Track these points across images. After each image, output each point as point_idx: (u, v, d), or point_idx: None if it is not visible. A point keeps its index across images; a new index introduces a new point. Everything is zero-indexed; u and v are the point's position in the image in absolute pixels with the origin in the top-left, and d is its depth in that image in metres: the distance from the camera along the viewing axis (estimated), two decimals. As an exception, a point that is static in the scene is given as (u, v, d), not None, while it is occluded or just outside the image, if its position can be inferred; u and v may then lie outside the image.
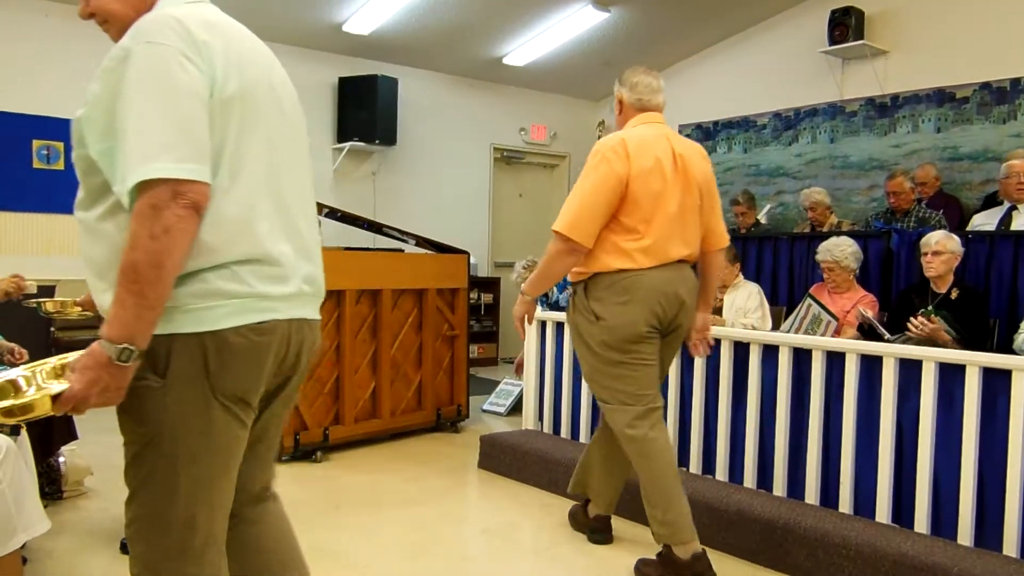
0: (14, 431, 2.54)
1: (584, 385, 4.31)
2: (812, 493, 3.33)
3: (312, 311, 1.78)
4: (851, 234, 4.55)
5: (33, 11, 6.11)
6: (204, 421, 1.58)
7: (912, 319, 3.62)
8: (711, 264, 3.16)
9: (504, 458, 4.31)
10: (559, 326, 4.50)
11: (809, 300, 4.06)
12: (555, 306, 5.38)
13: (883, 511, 3.10)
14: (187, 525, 1.62)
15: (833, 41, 6.66)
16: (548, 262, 2.98)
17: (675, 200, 2.92)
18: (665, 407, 3.87)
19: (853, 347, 3.26)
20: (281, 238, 1.65)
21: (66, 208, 6.64)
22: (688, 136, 8.15)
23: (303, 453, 4.48)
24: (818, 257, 4.27)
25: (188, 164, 1.46)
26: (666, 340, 3.05)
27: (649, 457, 2.93)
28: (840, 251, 4.17)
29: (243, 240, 1.57)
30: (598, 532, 3.39)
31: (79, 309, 3.16)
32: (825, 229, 5.55)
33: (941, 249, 3.76)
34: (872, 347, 3.21)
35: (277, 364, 1.70)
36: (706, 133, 8.08)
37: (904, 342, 3.51)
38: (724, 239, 3.15)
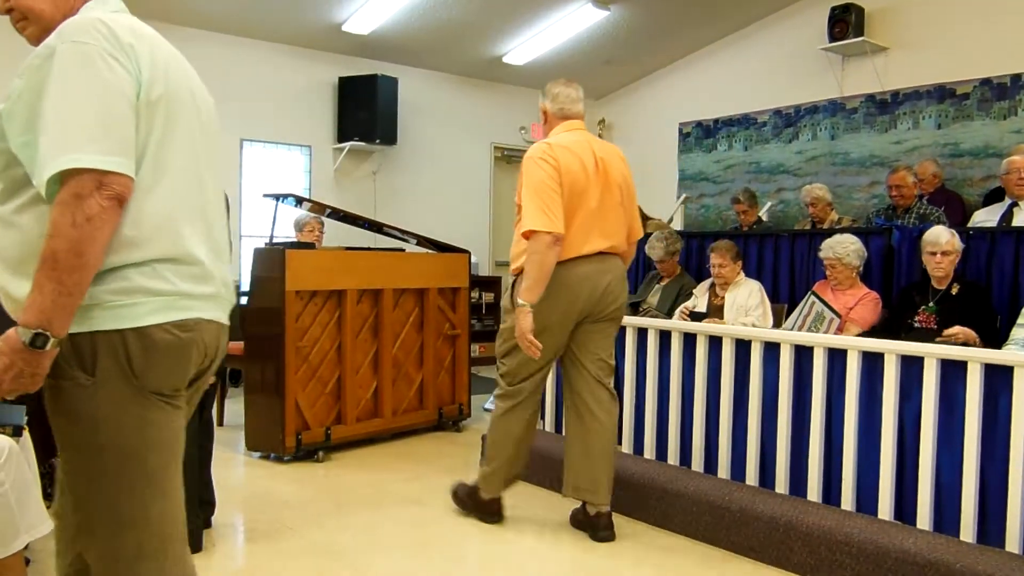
0: (16, 432, 2.54)
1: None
2: (814, 490, 3.33)
3: (225, 315, 1.77)
4: (852, 231, 4.54)
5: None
6: (137, 416, 1.58)
7: (945, 330, 3.57)
8: (627, 255, 3.51)
9: (506, 457, 4.31)
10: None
11: (812, 298, 4.06)
12: None
13: (885, 508, 3.10)
14: (141, 524, 1.60)
15: (833, 38, 6.65)
16: (538, 262, 3.13)
17: (595, 198, 3.24)
18: (667, 406, 3.90)
19: (855, 344, 3.26)
20: (201, 239, 1.66)
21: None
22: (688, 134, 8.17)
23: (305, 453, 4.49)
24: (821, 254, 4.26)
25: (113, 157, 1.47)
26: (598, 327, 3.35)
27: (494, 429, 3.48)
28: (843, 248, 4.16)
29: (165, 238, 1.58)
30: (604, 529, 3.41)
31: None
32: (826, 226, 5.55)
33: (950, 249, 3.76)
34: (874, 344, 3.21)
35: (199, 361, 1.69)
36: (706, 131, 8.08)
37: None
38: (640, 233, 3.55)
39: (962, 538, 2.89)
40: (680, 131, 8.34)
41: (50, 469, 3.57)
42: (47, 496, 3.12)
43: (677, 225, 7.83)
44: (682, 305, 4.73)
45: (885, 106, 6.68)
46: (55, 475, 3.57)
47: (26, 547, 2.48)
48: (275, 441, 4.41)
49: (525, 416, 3.43)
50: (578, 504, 3.52)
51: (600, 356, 3.40)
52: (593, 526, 3.41)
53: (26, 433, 2.64)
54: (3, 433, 2.47)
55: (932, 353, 3.01)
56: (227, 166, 7.04)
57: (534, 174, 3.18)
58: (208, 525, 3.37)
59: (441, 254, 5.39)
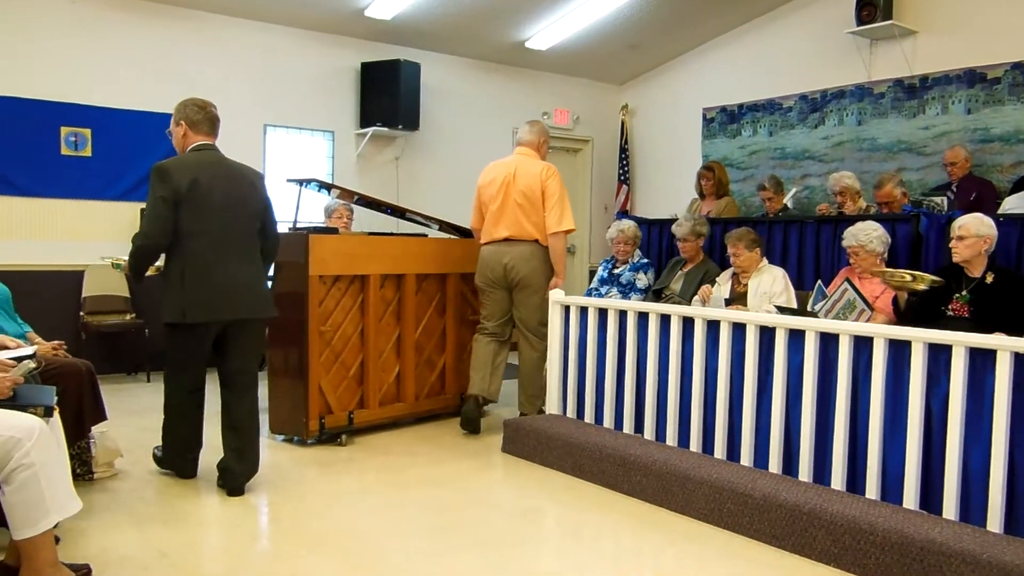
0: (47, 412, 2.58)
1: (608, 369, 4.31)
2: (838, 478, 3.31)
3: None
4: (878, 218, 4.49)
5: (61, 1, 6.16)
6: None
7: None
8: (549, 245, 4.82)
9: (528, 442, 4.32)
10: (583, 311, 4.50)
11: (846, 284, 4.01)
12: (616, 280, 5.35)
13: (911, 497, 3.08)
14: None
15: (861, 21, 6.55)
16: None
17: (499, 200, 4.83)
18: (688, 391, 3.89)
19: (881, 331, 3.22)
20: None
21: (93, 194, 6.79)
22: (712, 120, 8.11)
23: (328, 436, 4.52)
24: (844, 243, 4.22)
25: None
26: (513, 293, 4.85)
27: (474, 352, 4.99)
28: (865, 235, 4.12)
29: None
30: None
31: None
32: (851, 213, 5.48)
33: (964, 234, 3.69)
34: (900, 332, 3.17)
35: None
36: (730, 116, 8.01)
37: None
38: (550, 229, 4.77)
39: (989, 528, 2.86)
40: (704, 116, 8.27)
41: (79, 450, 3.64)
42: (76, 476, 3.18)
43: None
44: (703, 287, 4.70)
45: (913, 91, 6.58)
46: (84, 456, 3.63)
47: (56, 526, 2.52)
48: (298, 425, 4.45)
49: (491, 344, 4.94)
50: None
51: (521, 315, 4.86)
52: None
53: (56, 414, 2.68)
54: (34, 414, 2.51)
55: (960, 341, 2.97)
56: (251, 152, 7.07)
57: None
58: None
59: (463, 239, 5.39)
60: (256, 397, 3.81)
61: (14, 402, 2.54)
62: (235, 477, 3.65)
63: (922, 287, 3.71)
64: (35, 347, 3.25)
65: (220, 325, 3.59)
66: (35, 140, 6.05)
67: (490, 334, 4.93)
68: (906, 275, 3.77)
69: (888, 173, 5.60)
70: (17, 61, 6.02)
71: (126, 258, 3.64)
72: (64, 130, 6.17)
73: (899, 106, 6.67)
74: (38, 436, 2.41)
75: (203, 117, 3.61)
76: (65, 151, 6.18)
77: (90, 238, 6.18)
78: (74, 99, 6.21)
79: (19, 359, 2.74)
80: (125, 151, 6.42)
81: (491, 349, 4.91)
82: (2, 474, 2.38)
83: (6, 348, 3.02)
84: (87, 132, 6.25)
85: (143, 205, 6.54)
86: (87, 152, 6.25)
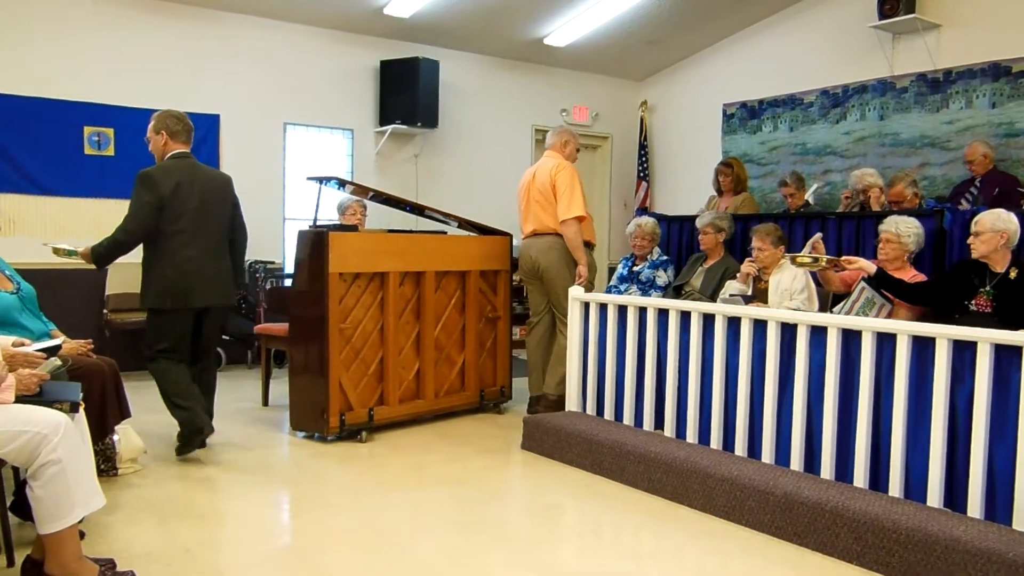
0: (73, 408, 2.61)
1: (628, 366, 4.30)
2: (860, 476, 3.28)
3: None
4: (902, 213, 4.43)
5: (84, 2, 6.23)
6: None
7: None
8: (560, 233, 5.05)
9: (547, 439, 4.32)
10: (602, 308, 4.49)
11: (863, 283, 3.97)
12: (635, 278, 5.33)
13: (934, 495, 3.04)
14: None
15: (883, 15, 6.49)
16: None
17: (524, 200, 5.21)
18: (709, 388, 3.87)
19: (904, 328, 3.19)
20: None
21: (116, 193, 6.84)
22: (732, 115, 8.05)
23: (348, 433, 4.54)
24: (882, 227, 4.13)
25: None
26: (545, 285, 5.16)
27: (527, 352, 5.39)
28: (906, 227, 4.06)
29: None
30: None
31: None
32: (876, 208, 5.43)
33: (980, 229, 3.64)
34: (924, 328, 3.14)
35: None
36: (751, 112, 7.96)
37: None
38: (559, 218, 5.01)
39: (1015, 527, 2.83)
40: (724, 112, 8.22)
41: (103, 447, 3.68)
42: (100, 472, 3.21)
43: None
44: (747, 261, 4.63)
45: (937, 85, 6.50)
46: (107, 452, 3.67)
47: (81, 520, 2.55)
48: (319, 421, 4.47)
49: (538, 339, 5.26)
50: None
51: (551, 302, 5.17)
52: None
53: (82, 410, 2.71)
54: (60, 409, 2.54)
55: (985, 338, 2.93)
56: (271, 150, 7.12)
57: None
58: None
59: (483, 237, 5.39)
60: (215, 368, 4.45)
61: (40, 398, 2.57)
62: (206, 432, 4.07)
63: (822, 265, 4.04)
64: (61, 340, 3.29)
65: (196, 310, 4.07)
66: (59, 140, 6.12)
67: (535, 326, 5.26)
68: (807, 257, 4.06)
69: (901, 172, 5.53)
70: (41, 62, 6.09)
71: (66, 245, 4.04)
72: (87, 130, 6.24)
73: (922, 101, 6.60)
74: (64, 432, 2.44)
75: (181, 128, 4.07)
76: (88, 151, 6.25)
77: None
78: (97, 99, 6.27)
79: (46, 350, 2.77)
80: (147, 150, 6.45)
81: (539, 346, 5.23)
82: (29, 469, 2.42)
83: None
84: (110, 132, 6.32)
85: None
86: (110, 151, 6.31)
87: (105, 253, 3.97)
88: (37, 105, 6.03)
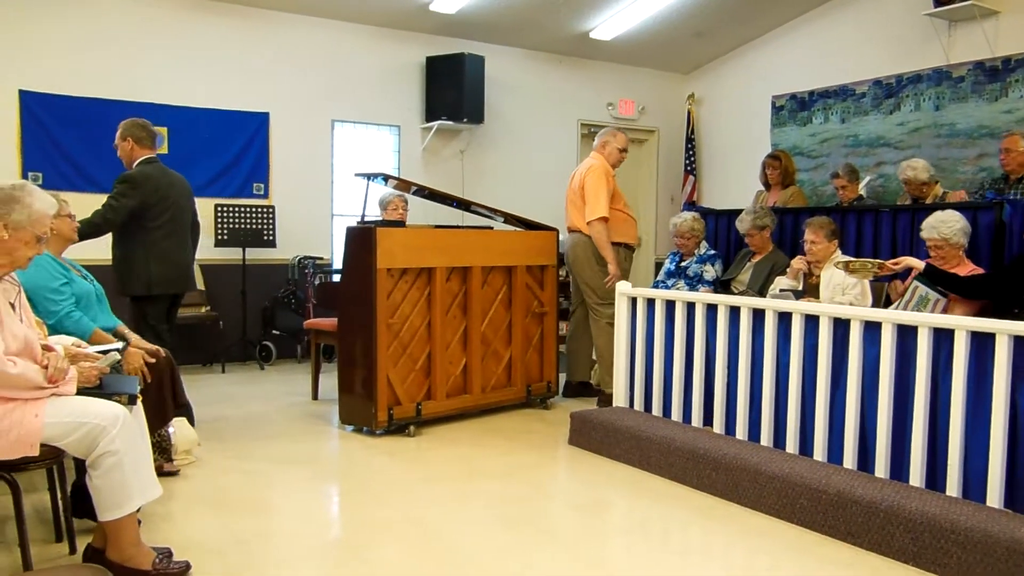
0: (131, 401, 2.68)
1: (676, 362, 4.27)
2: (917, 475, 3.21)
3: None
4: (959, 206, 4.31)
5: (138, 5, 6.35)
6: None
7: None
8: (588, 232, 5.32)
9: (595, 435, 4.30)
10: (650, 303, 4.45)
11: (916, 283, 3.88)
12: (683, 273, 5.29)
13: (994, 495, 2.96)
14: None
15: (939, 3, 6.32)
16: None
17: (568, 198, 5.49)
18: (759, 384, 3.82)
19: (963, 323, 3.11)
20: None
21: (170, 190, 6.69)
22: (782, 107, 7.92)
23: (397, 427, 4.58)
24: (924, 234, 4.02)
25: None
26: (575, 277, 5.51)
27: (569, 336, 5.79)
28: (947, 227, 3.93)
29: None
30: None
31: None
32: (929, 201, 5.30)
33: None
34: (984, 324, 3.05)
35: None
36: (801, 103, 7.82)
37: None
38: (590, 216, 5.26)
39: (1080, 529, 2.74)
40: (773, 104, 8.09)
41: (160, 439, 3.76)
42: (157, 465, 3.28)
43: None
44: (798, 258, 4.57)
45: (995, 73, 6.31)
46: (163, 445, 3.76)
47: (138, 510, 2.62)
48: (367, 415, 4.52)
49: (576, 331, 5.67)
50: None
51: (587, 297, 5.41)
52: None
53: (140, 402, 2.77)
54: (119, 402, 2.60)
55: (1049, 334, 2.85)
56: (319, 147, 7.21)
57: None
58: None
59: (529, 232, 5.39)
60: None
61: (100, 390, 2.64)
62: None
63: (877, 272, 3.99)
64: (120, 345, 3.37)
65: (171, 296, 4.50)
66: (113, 140, 6.25)
67: (573, 316, 5.67)
68: (867, 263, 4.02)
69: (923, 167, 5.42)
70: (97, 64, 6.24)
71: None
72: (141, 129, 6.37)
73: (980, 90, 6.41)
74: (122, 424, 2.51)
75: (147, 134, 4.46)
76: (142, 149, 6.38)
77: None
78: (151, 99, 6.41)
79: (107, 352, 2.84)
80: (200, 148, 6.61)
81: (574, 334, 5.66)
82: (89, 459, 2.49)
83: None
84: (164, 131, 6.45)
85: (218, 200, 6.73)
86: (164, 150, 6.44)
87: (88, 233, 4.19)
88: (94, 105, 6.19)
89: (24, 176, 6.00)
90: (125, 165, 4.47)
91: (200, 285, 6.58)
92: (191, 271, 4.64)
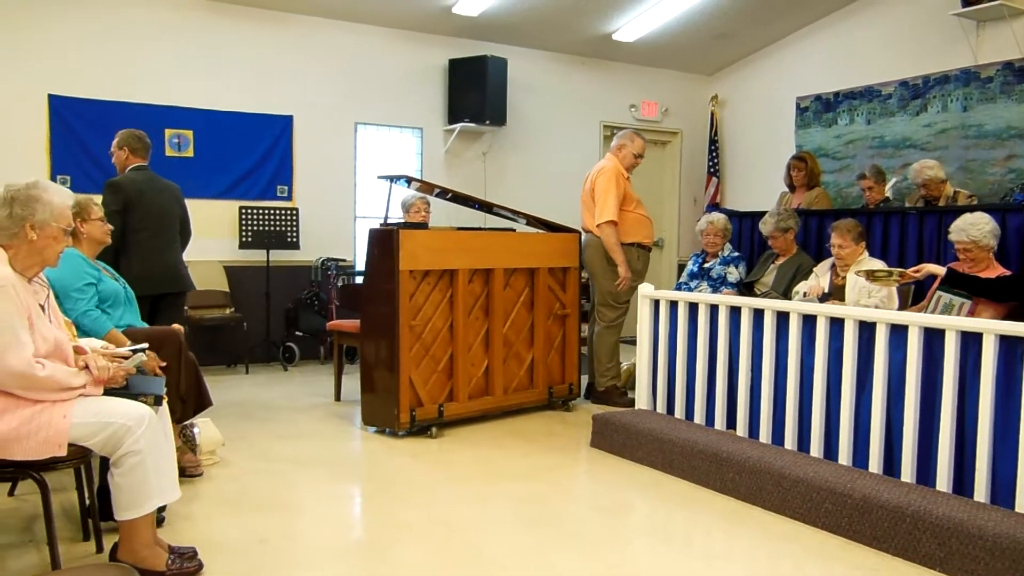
0: (156, 401, 2.70)
1: (699, 364, 4.24)
2: (943, 480, 3.17)
3: None
4: (988, 208, 4.25)
5: (164, 9, 6.43)
6: None
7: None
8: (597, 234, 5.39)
9: (617, 437, 4.29)
10: (672, 305, 4.43)
11: (939, 292, 3.81)
12: (706, 275, 5.27)
13: (1024, 501, 2.92)
14: None
15: (967, 2, 6.24)
16: None
17: (582, 199, 5.56)
18: (783, 387, 3.79)
19: (991, 327, 3.07)
20: None
21: (196, 193, 7.05)
22: (806, 109, 7.86)
23: (419, 428, 4.59)
24: (952, 237, 3.96)
25: None
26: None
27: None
28: (977, 230, 3.87)
29: None
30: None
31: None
32: (941, 202, 5.22)
33: None
34: (1012, 327, 3.01)
35: None
36: (826, 104, 7.75)
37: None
38: (596, 222, 5.35)
39: (1112, 536, 2.69)
40: (798, 106, 8.02)
41: (184, 439, 3.80)
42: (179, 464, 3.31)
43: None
44: (806, 287, 4.56)
45: (1025, 74, 6.23)
46: (188, 445, 3.79)
47: (160, 510, 2.64)
48: (390, 416, 4.53)
49: (596, 330, 5.59)
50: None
51: (599, 299, 5.50)
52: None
53: (165, 403, 2.80)
54: (144, 402, 2.63)
55: (1080, 337, 2.80)
56: (342, 149, 7.25)
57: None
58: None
59: (551, 234, 5.38)
60: None
61: (127, 391, 2.67)
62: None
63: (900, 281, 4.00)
64: (146, 345, 3.41)
65: (152, 297, 4.51)
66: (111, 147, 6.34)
67: (594, 321, 5.62)
68: (893, 271, 4.02)
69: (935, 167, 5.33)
70: (122, 67, 6.32)
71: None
72: (168, 132, 6.45)
73: (1009, 90, 6.32)
74: (147, 425, 2.53)
75: (141, 145, 4.63)
76: (169, 152, 6.46)
77: (193, 235, 6.44)
78: (176, 102, 6.48)
79: (134, 351, 2.87)
80: (225, 151, 6.67)
81: (594, 337, 5.63)
82: (112, 457, 2.52)
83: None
84: (189, 134, 6.52)
85: (242, 203, 6.80)
86: (189, 153, 6.51)
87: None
88: (121, 109, 6.26)
89: (53, 179, 6.09)
90: (117, 172, 4.65)
91: (224, 286, 6.65)
92: (178, 271, 4.66)
